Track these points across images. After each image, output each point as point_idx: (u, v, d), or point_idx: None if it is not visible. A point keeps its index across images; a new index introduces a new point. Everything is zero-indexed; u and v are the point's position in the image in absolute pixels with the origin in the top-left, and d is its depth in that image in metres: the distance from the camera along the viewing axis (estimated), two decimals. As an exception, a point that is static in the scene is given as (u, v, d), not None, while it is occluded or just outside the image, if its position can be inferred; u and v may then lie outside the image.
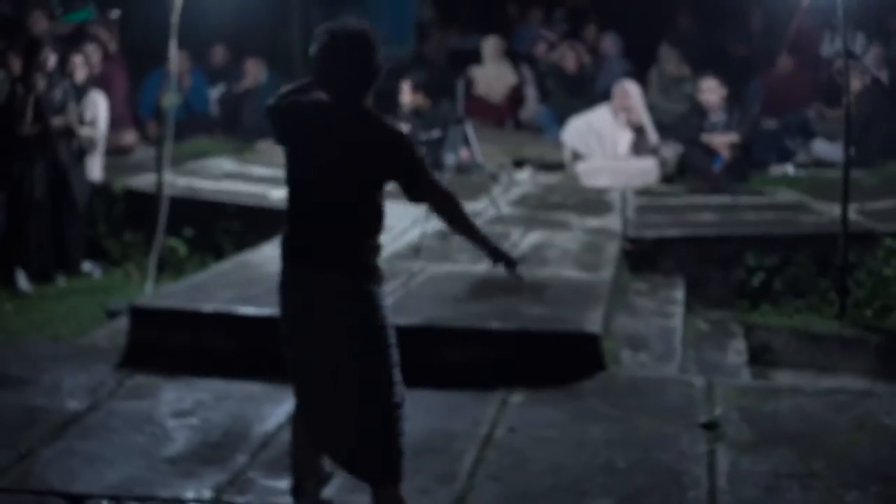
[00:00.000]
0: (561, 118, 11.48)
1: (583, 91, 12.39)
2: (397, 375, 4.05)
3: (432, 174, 4.07)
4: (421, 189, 4.03)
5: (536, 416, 5.31)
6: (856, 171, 8.27)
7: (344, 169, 3.96)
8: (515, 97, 13.30)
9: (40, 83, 8.41)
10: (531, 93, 13.26)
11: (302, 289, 4.05)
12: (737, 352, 7.02)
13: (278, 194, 9.08)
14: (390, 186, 4.06)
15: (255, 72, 11.94)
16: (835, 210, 7.91)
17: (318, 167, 4.00)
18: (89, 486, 4.55)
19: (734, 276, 7.98)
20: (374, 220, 4.04)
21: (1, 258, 8.32)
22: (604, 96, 11.21)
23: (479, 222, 8.29)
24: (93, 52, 10.23)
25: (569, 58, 12.76)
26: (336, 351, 4.02)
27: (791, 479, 4.61)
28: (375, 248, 4.06)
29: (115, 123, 10.06)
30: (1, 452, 4.85)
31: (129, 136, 10.93)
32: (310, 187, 4.03)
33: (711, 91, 10.09)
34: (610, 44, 13.41)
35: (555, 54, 13.15)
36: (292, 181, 4.07)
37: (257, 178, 9.86)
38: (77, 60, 9.26)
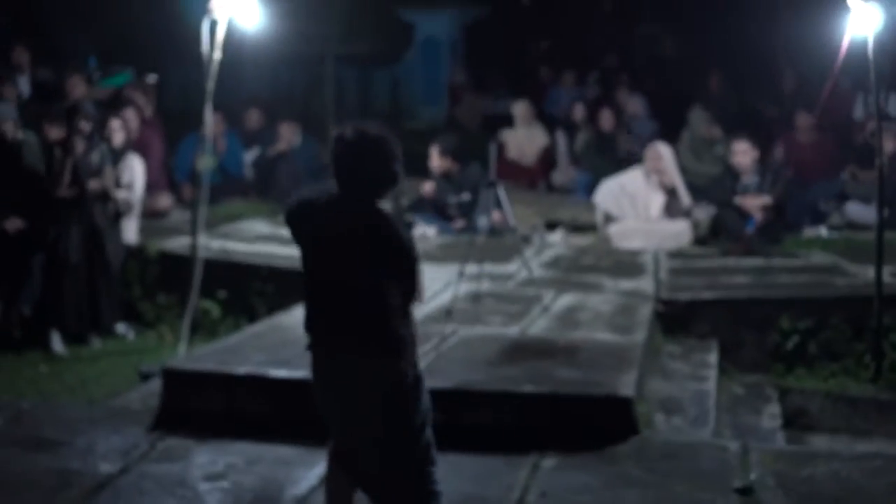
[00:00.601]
0: (595, 180, 11.48)
1: (618, 151, 12.44)
2: (431, 445, 4.12)
3: (420, 288, 4.14)
4: (405, 296, 4.11)
5: (569, 481, 5.27)
6: (889, 233, 8.22)
7: (353, 262, 4.07)
8: (547, 159, 13.37)
9: (79, 146, 8.53)
10: (563, 156, 13.33)
11: (326, 373, 4.18)
12: (771, 416, 6.95)
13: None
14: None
15: (288, 135, 12.04)
16: (869, 272, 7.86)
17: (330, 259, 4.12)
18: (121, 549, 4.56)
19: (768, 339, 7.92)
20: (387, 303, 4.09)
21: (36, 320, 8.40)
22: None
23: (511, 284, 8.38)
24: (132, 117, 10.39)
25: (605, 118, 12.84)
26: (369, 426, 4.12)
27: (828, 547, 4.55)
28: (395, 328, 4.11)
29: (150, 187, 10.19)
30: (34, 515, 4.87)
31: (165, 200, 11.00)
32: (322, 278, 4.16)
33: (743, 153, 10.09)
34: (637, 105, 13.50)
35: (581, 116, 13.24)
36: (307, 272, 4.21)
37: (290, 240, 9.89)
38: (114, 124, 9.38)
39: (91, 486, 5.22)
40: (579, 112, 13.42)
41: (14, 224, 8.29)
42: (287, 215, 4.26)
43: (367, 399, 4.09)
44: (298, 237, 4.23)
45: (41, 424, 6.08)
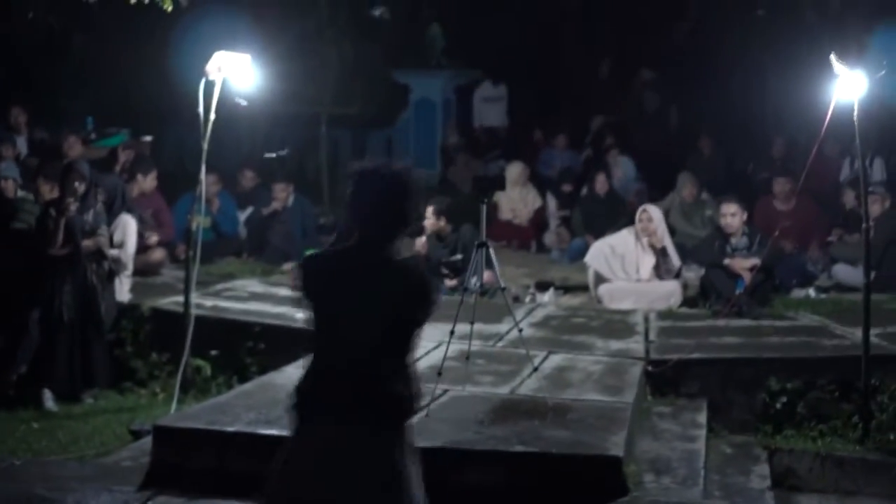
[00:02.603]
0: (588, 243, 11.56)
1: (614, 215, 12.55)
2: None
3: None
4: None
5: (558, 541, 5.29)
6: (877, 295, 8.30)
7: (366, 318, 3.87)
8: (539, 220, 13.48)
9: (72, 206, 8.60)
10: (554, 217, 13.44)
11: (325, 444, 3.92)
12: (760, 476, 6.97)
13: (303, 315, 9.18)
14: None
15: (282, 196, 12.13)
16: (857, 334, 7.93)
17: (341, 317, 3.92)
18: None
19: (757, 399, 7.96)
20: (402, 369, 3.93)
21: (29, 377, 8.43)
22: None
23: (501, 344, 8.41)
24: (150, 179, 10.61)
25: (599, 182, 12.97)
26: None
27: None
28: (404, 398, 3.94)
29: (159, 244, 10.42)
30: (24, 573, 4.87)
31: (158, 253, 11.02)
32: (333, 338, 3.93)
33: (732, 215, 10.17)
34: (626, 167, 13.68)
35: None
36: (317, 331, 3.97)
37: (283, 299, 9.96)
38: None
39: (81, 543, 5.23)
40: (571, 178, 13.62)
41: None
42: (301, 268, 4.02)
43: (374, 476, 3.85)
44: (308, 293, 3.97)
45: (32, 482, 6.09)
